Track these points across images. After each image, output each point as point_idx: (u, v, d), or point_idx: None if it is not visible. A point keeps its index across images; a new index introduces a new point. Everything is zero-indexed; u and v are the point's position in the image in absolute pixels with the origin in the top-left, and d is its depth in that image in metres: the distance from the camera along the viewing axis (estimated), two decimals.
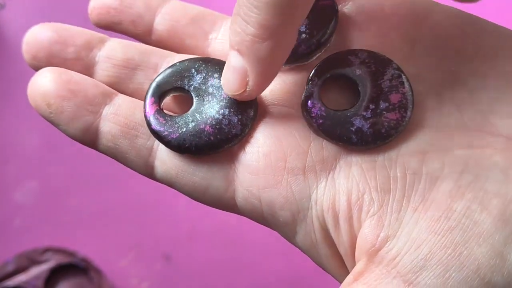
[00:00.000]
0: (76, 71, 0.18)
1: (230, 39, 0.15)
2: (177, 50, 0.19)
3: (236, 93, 0.16)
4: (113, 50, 0.19)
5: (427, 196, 0.15)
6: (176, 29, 0.19)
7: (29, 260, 0.45)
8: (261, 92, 0.16)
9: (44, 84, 0.18)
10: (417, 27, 0.17)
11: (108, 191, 0.48)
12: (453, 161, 0.15)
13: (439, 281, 0.13)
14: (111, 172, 0.47)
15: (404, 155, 0.16)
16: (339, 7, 0.18)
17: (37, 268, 0.45)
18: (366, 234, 0.15)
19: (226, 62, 0.16)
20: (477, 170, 0.14)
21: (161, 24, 0.19)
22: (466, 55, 0.16)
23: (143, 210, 0.48)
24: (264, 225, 0.18)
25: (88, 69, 0.19)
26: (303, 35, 0.17)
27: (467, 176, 0.14)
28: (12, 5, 0.55)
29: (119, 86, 0.19)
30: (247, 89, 0.16)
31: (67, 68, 0.18)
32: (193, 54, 0.19)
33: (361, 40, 0.17)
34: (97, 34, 0.19)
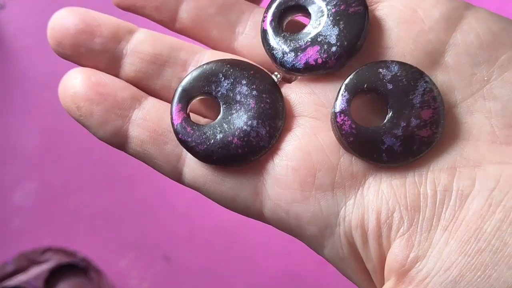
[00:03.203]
0: (102, 63, 0.18)
1: None
2: (202, 41, 0.19)
3: None
4: (141, 43, 0.18)
5: (457, 215, 0.14)
6: (201, 19, 0.18)
7: (29, 260, 0.45)
8: None
9: (74, 85, 0.18)
10: (450, 32, 0.16)
11: (108, 191, 0.48)
12: (483, 177, 0.15)
13: None
14: (111, 172, 0.47)
15: (435, 171, 0.15)
16: (371, 8, 0.17)
17: (37, 268, 0.44)
18: (396, 253, 0.15)
19: None
20: (508, 188, 0.14)
21: (186, 12, 0.18)
22: (500, 64, 0.16)
23: (143, 210, 0.48)
24: (292, 235, 0.17)
25: (115, 62, 0.18)
26: (334, 47, 0.16)
27: (497, 194, 0.14)
28: (12, 5, 0.55)
29: (146, 82, 0.18)
30: None
31: (93, 59, 0.18)
32: (218, 47, 0.19)
33: (392, 46, 0.17)
34: (125, 24, 0.18)
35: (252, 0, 0.19)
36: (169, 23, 0.19)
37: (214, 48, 0.19)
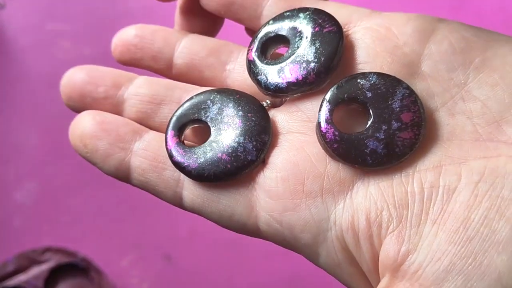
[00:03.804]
0: (106, 109, 0.20)
1: None
2: (197, 83, 0.20)
3: None
4: (139, 87, 0.20)
5: (445, 208, 0.15)
6: (194, 62, 0.20)
7: (29, 260, 0.45)
8: None
9: (82, 126, 0.19)
10: (423, 43, 0.17)
11: (108, 191, 0.48)
12: (469, 171, 0.15)
13: None
14: None
15: (421, 171, 0.16)
16: (346, 31, 0.18)
17: (37, 268, 0.45)
18: (388, 250, 0.15)
19: None
20: (493, 179, 0.14)
21: (180, 58, 0.20)
22: (475, 67, 0.16)
23: (143, 210, 0.48)
24: (289, 249, 0.18)
25: (117, 107, 0.20)
26: (312, 64, 0.18)
27: (483, 185, 0.14)
28: (12, 5, 0.55)
29: (147, 120, 0.20)
30: None
31: (98, 106, 0.20)
32: (212, 85, 0.20)
33: (369, 61, 0.17)
34: (125, 73, 0.20)
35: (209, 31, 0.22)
36: (167, 71, 0.21)
37: (208, 86, 0.20)
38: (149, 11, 0.53)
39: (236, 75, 0.20)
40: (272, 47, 0.19)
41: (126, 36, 0.21)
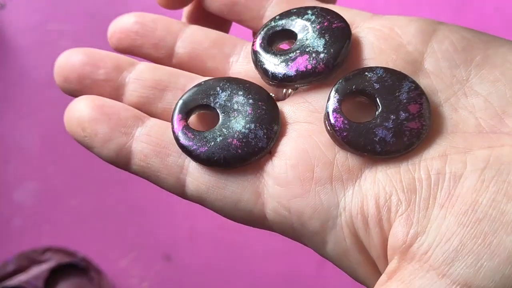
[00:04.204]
0: (106, 92, 0.19)
1: None
2: (198, 73, 0.20)
3: None
4: (142, 72, 0.19)
5: (453, 193, 0.15)
6: (197, 52, 0.20)
7: (29, 260, 0.45)
8: None
9: (79, 109, 0.19)
10: (426, 42, 0.17)
11: (108, 191, 0.48)
12: (474, 159, 0.15)
13: (471, 271, 0.14)
14: (111, 172, 0.47)
15: (427, 159, 0.16)
16: (351, 29, 0.18)
17: (37, 268, 0.45)
18: (397, 232, 0.15)
19: None
20: (498, 166, 0.15)
21: (182, 47, 0.20)
22: (476, 64, 0.17)
23: (143, 210, 0.48)
24: (294, 239, 0.18)
25: (118, 90, 0.19)
26: (321, 54, 0.18)
27: (489, 171, 0.15)
28: (12, 5, 0.55)
29: (148, 106, 0.19)
30: None
31: (97, 89, 0.19)
32: (214, 76, 0.20)
33: (374, 57, 0.18)
34: (127, 58, 0.20)
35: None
36: (166, 59, 0.20)
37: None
38: (149, 12, 0.53)
39: (239, 67, 0.20)
40: (278, 41, 0.19)
41: (125, 23, 0.20)
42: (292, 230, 0.17)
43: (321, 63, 0.18)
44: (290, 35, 0.19)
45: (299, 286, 0.47)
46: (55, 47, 0.53)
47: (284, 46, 0.20)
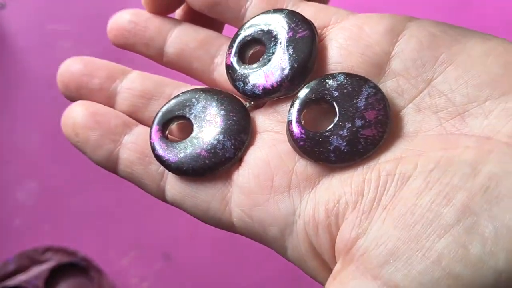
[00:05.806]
0: (100, 100, 0.21)
1: None
2: (187, 73, 0.21)
3: None
4: (132, 82, 0.21)
5: (397, 194, 0.15)
6: (184, 53, 0.21)
7: (29, 260, 0.45)
8: None
9: (75, 116, 0.20)
10: (393, 43, 0.17)
11: (108, 191, 0.48)
12: (425, 160, 0.15)
13: (401, 274, 0.14)
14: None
15: (381, 163, 0.16)
16: (322, 32, 0.19)
17: (38, 267, 0.45)
18: (342, 236, 0.16)
19: None
20: (446, 167, 0.15)
21: (171, 47, 0.21)
22: (441, 62, 0.17)
23: (143, 210, 0.48)
24: (260, 243, 0.19)
25: (110, 99, 0.21)
26: (286, 71, 0.18)
27: (436, 173, 0.15)
28: (12, 5, 0.55)
29: (136, 114, 0.21)
30: None
31: (92, 97, 0.21)
32: (200, 77, 0.21)
33: (341, 61, 0.18)
34: (120, 67, 0.21)
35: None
36: (158, 58, 0.21)
37: (196, 78, 0.21)
38: None
39: (223, 69, 0.20)
40: (250, 49, 0.20)
41: (121, 21, 0.21)
42: (256, 236, 0.18)
43: (285, 80, 0.18)
44: (261, 41, 0.19)
45: (299, 286, 0.47)
46: (55, 47, 0.53)
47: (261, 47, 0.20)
